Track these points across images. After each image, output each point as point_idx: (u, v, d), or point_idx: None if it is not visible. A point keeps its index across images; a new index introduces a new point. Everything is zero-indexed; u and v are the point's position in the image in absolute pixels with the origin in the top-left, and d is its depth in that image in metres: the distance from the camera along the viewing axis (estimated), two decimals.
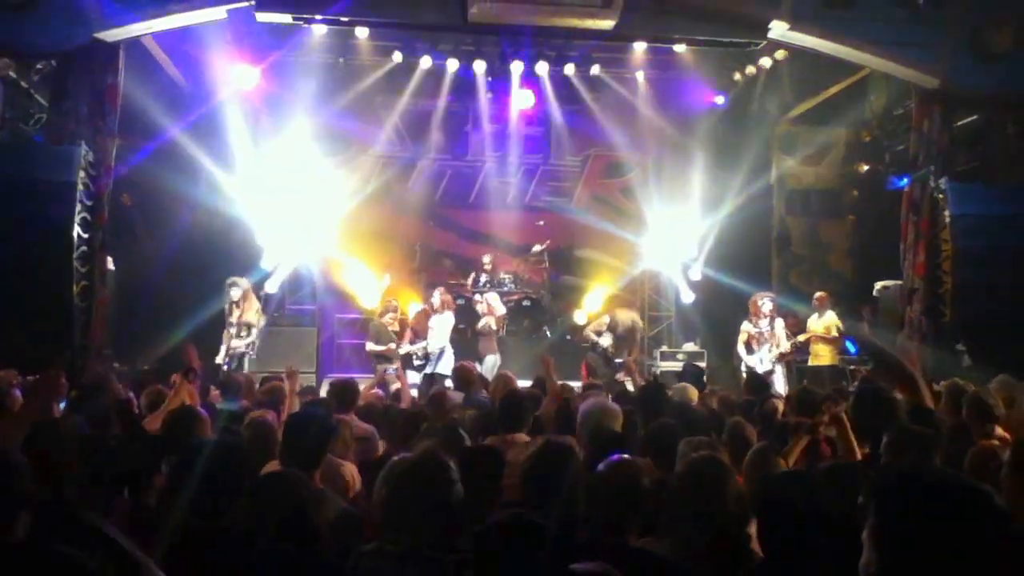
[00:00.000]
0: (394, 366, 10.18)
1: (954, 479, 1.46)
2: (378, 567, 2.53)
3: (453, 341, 11.06)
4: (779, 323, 10.44)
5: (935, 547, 1.35)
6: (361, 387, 7.31)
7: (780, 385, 9.74)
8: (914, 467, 2.16)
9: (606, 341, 10.78)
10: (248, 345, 10.18)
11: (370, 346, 11.10)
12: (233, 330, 10.13)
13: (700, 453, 3.28)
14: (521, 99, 14.03)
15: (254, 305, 10.34)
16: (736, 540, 2.76)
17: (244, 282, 10.32)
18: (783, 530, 2.54)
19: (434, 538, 2.58)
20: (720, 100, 13.61)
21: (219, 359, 10.04)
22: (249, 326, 10.18)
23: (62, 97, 8.87)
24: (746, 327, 10.54)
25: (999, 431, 4.61)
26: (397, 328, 11.38)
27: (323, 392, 7.80)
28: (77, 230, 8.50)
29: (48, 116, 9.06)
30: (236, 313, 10.18)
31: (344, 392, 5.96)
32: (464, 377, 7.46)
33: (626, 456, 3.27)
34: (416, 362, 10.85)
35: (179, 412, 4.51)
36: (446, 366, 10.36)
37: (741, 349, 10.55)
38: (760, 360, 10.29)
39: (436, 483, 2.66)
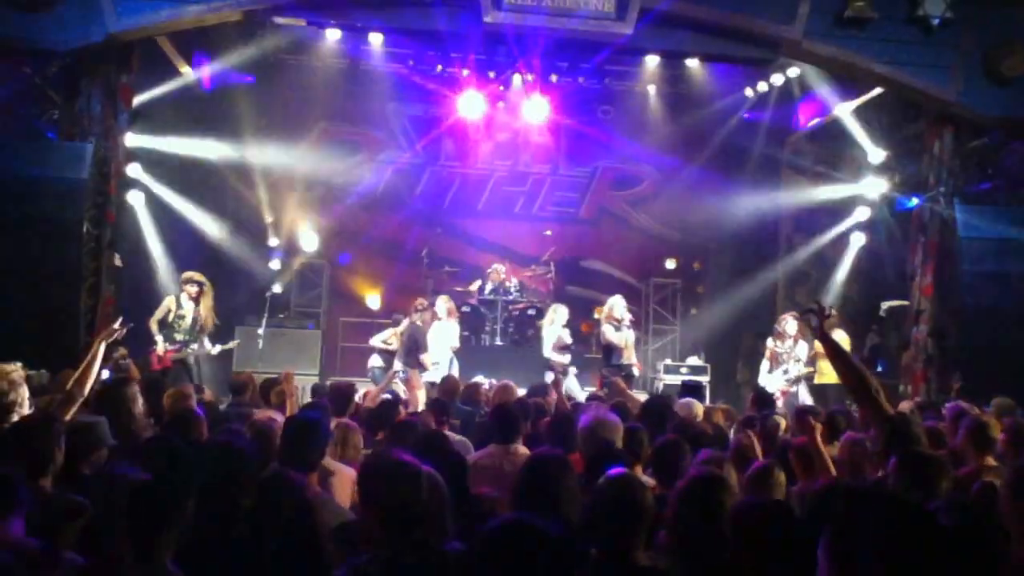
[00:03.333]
0: (404, 370, 10.09)
1: (898, 497, 1.48)
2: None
3: (457, 350, 11.01)
4: (802, 346, 10.35)
5: (880, 563, 1.37)
6: (362, 390, 7.32)
7: (807, 402, 9.66)
8: (863, 487, 2.17)
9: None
10: (201, 352, 9.74)
11: (424, 357, 10.38)
12: (185, 322, 9.64)
13: (700, 469, 3.27)
14: (532, 109, 14.05)
15: (211, 307, 9.82)
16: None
17: (204, 280, 9.81)
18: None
19: (414, 542, 2.58)
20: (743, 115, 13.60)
21: (160, 350, 9.53)
22: (203, 327, 9.71)
23: (75, 94, 8.91)
24: (770, 345, 10.51)
25: (990, 460, 4.58)
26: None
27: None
28: (86, 227, 8.53)
29: (61, 113, 9.10)
30: (189, 308, 9.70)
31: (336, 395, 5.99)
32: (450, 389, 7.45)
33: (627, 471, 3.26)
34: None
35: (177, 413, 4.54)
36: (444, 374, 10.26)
37: (764, 365, 10.51)
38: (774, 378, 10.26)
39: (397, 485, 2.65)
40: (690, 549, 2.74)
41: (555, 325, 10.81)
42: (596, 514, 2.85)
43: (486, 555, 2.14)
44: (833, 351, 4.14)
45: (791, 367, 10.28)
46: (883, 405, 3.89)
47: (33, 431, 3.38)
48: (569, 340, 10.88)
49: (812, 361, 10.70)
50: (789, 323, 10.40)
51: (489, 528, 2.22)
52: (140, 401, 4.96)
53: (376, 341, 11.72)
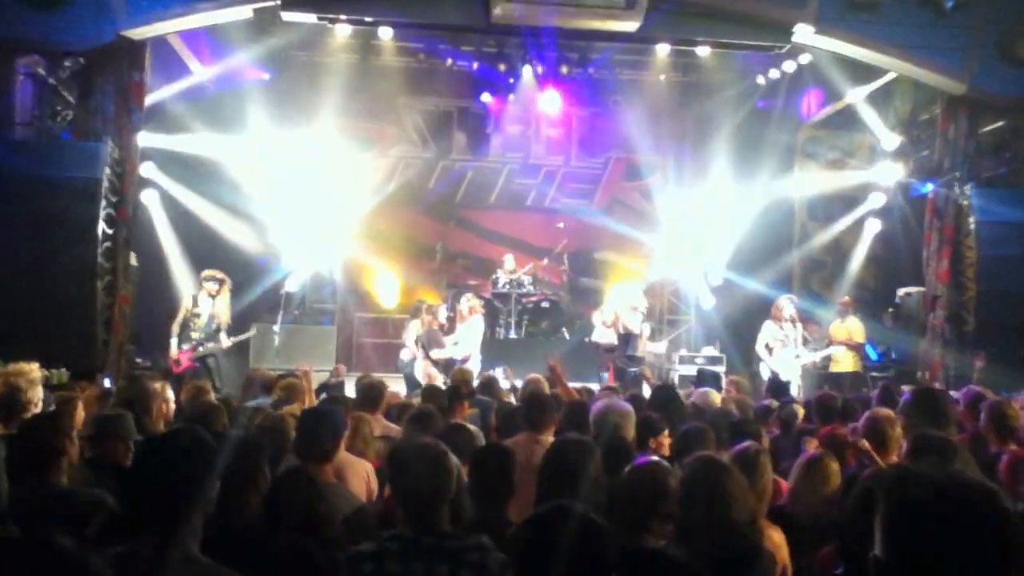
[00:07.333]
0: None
1: (961, 478, 1.44)
2: (381, 561, 2.54)
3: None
4: (798, 327, 10.37)
5: (937, 542, 1.34)
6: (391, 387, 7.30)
7: (794, 390, 9.64)
8: (923, 466, 2.15)
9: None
10: (217, 348, 9.80)
11: (436, 353, 10.32)
12: (201, 320, 9.69)
13: (698, 455, 3.26)
14: (543, 101, 14.01)
15: (228, 304, 9.92)
16: (745, 540, 2.74)
17: (225, 277, 9.90)
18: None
19: (439, 527, 2.59)
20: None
21: (174, 352, 9.58)
22: (219, 325, 9.77)
23: (88, 94, 8.97)
24: (769, 329, 10.45)
25: (1012, 446, 4.53)
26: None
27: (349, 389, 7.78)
28: (102, 226, 8.59)
29: (74, 113, 9.15)
30: (205, 306, 9.75)
31: (370, 391, 5.97)
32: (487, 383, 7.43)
33: (654, 458, 3.26)
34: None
35: (198, 406, 4.56)
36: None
37: (762, 351, 10.44)
38: (781, 363, 10.21)
39: (434, 468, 2.65)
40: (694, 534, 2.73)
41: (600, 319, 10.82)
42: (618, 499, 2.86)
43: (531, 539, 2.20)
44: None
45: (800, 351, 10.25)
46: None
47: (40, 427, 3.40)
48: (614, 339, 10.77)
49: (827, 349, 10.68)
50: (787, 307, 10.38)
51: (535, 514, 2.28)
52: (169, 399, 4.98)
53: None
